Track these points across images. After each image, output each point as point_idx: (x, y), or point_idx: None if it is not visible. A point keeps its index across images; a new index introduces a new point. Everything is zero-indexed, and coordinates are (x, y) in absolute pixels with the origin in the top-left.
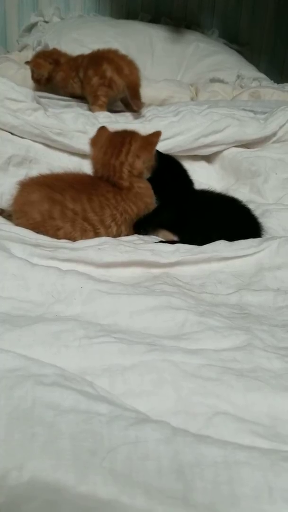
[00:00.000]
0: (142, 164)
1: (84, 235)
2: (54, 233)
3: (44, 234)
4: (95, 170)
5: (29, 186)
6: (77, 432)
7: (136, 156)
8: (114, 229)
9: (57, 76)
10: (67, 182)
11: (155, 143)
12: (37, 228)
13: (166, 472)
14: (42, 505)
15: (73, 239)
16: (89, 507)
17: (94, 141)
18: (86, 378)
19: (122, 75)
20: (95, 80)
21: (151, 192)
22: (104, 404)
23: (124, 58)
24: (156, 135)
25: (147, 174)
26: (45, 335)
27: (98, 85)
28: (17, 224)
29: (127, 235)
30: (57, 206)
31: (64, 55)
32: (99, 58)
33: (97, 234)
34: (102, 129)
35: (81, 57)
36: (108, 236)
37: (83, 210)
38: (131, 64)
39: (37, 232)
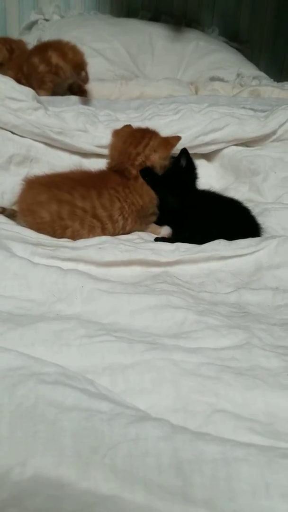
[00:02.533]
0: (158, 159)
1: (92, 231)
2: (62, 232)
3: (50, 233)
4: (111, 157)
5: (37, 186)
6: (79, 430)
7: (153, 151)
8: (121, 223)
9: (7, 73)
10: (76, 180)
11: (174, 145)
12: (44, 228)
13: (166, 468)
14: (45, 500)
15: (80, 236)
16: (90, 502)
17: (116, 132)
18: (87, 377)
19: (67, 60)
20: (42, 67)
21: None
22: (105, 402)
23: (67, 44)
24: (177, 139)
25: (159, 172)
26: (46, 334)
27: (45, 72)
28: (25, 222)
29: (132, 227)
30: (66, 206)
31: (21, 47)
32: (43, 47)
33: (104, 230)
34: (127, 125)
35: (27, 52)
36: (115, 230)
37: (92, 207)
38: (74, 49)
39: (43, 231)
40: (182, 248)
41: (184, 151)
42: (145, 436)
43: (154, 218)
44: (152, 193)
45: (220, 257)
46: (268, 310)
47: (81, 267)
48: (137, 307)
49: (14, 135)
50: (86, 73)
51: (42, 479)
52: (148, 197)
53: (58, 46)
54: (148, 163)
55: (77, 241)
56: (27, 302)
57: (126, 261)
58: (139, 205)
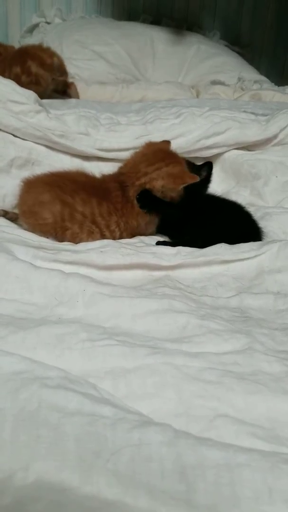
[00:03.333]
0: (160, 187)
1: (91, 236)
2: (63, 234)
3: (52, 234)
4: (125, 163)
5: (38, 186)
6: (82, 434)
7: (161, 178)
8: (117, 233)
9: None
10: (78, 183)
11: (185, 183)
12: (46, 229)
13: (169, 474)
14: (48, 505)
15: (80, 239)
16: (93, 507)
17: (148, 144)
18: (90, 381)
19: (46, 67)
20: (23, 78)
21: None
22: (108, 407)
23: (46, 50)
24: (193, 178)
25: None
26: (48, 338)
27: (27, 83)
28: (26, 224)
29: (131, 238)
30: (67, 209)
31: (10, 52)
32: (23, 54)
33: (103, 236)
34: (165, 142)
35: (10, 56)
36: (113, 238)
37: (92, 214)
38: (53, 55)
39: (45, 233)
40: (184, 252)
41: (208, 164)
42: (148, 441)
43: (153, 231)
44: (147, 217)
45: (222, 261)
46: (269, 315)
47: (83, 270)
48: (138, 311)
49: (16, 138)
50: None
51: (44, 484)
52: (143, 221)
53: (36, 53)
54: (149, 186)
55: (78, 244)
56: (29, 306)
57: (128, 265)
58: (134, 226)
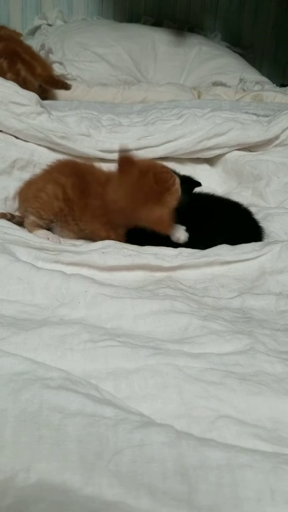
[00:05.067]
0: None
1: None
2: (60, 213)
3: (52, 215)
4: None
5: (37, 179)
6: (84, 435)
7: None
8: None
9: None
10: (82, 168)
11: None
12: (49, 208)
13: (171, 475)
14: (50, 506)
15: (68, 223)
16: (95, 508)
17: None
18: (91, 382)
19: (36, 75)
20: (9, 76)
21: None
22: (110, 408)
23: (35, 56)
24: None
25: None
26: (50, 339)
27: (12, 80)
28: (32, 208)
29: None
30: (60, 188)
31: (14, 39)
32: (12, 54)
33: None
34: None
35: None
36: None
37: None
38: (42, 62)
39: (48, 213)
40: (185, 253)
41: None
42: (150, 442)
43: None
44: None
45: (224, 261)
46: (271, 315)
47: (85, 271)
48: (140, 312)
49: (18, 140)
50: (60, 84)
51: (46, 484)
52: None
53: (26, 59)
54: None
55: (80, 245)
56: (30, 307)
57: (129, 266)
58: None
